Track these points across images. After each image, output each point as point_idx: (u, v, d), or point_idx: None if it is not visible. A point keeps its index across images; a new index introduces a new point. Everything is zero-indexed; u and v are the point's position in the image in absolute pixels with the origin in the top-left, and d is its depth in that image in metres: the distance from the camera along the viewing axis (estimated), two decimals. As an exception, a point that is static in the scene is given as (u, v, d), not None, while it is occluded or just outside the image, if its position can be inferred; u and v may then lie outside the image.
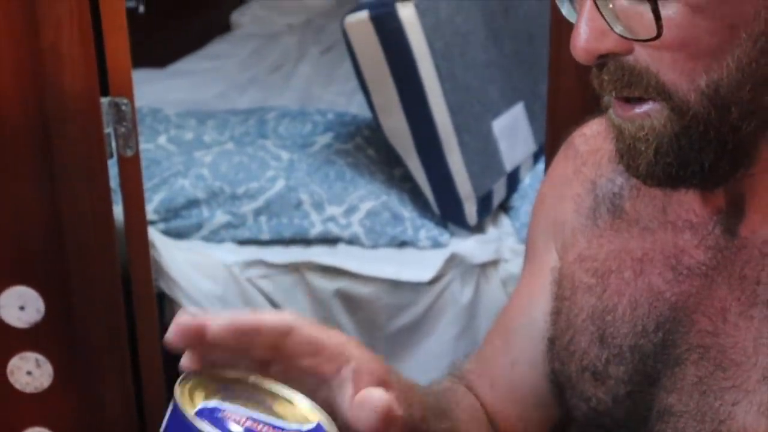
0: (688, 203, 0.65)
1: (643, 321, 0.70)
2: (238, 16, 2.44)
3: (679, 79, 0.54)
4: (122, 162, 1.07)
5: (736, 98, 0.55)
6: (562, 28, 0.97)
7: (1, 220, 1.10)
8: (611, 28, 0.52)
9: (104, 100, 1.03)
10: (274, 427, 0.49)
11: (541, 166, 1.59)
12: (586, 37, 0.53)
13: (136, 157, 1.08)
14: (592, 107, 0.71)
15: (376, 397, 0.52)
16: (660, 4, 0.50)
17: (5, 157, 1.08)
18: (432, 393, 0.72)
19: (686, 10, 0.51)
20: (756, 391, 0.61)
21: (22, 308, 1.13)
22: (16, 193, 1.10)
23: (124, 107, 1.04)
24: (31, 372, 1.19)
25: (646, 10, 0.50)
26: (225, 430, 0.47)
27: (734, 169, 0.58)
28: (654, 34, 0.51)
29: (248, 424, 0.47)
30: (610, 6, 0.52)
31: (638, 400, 0.71)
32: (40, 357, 1.17)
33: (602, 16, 0.52)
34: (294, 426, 0.50)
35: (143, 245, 1.19)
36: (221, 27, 2.37)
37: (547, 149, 1.15)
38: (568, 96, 1.08)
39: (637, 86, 0.54)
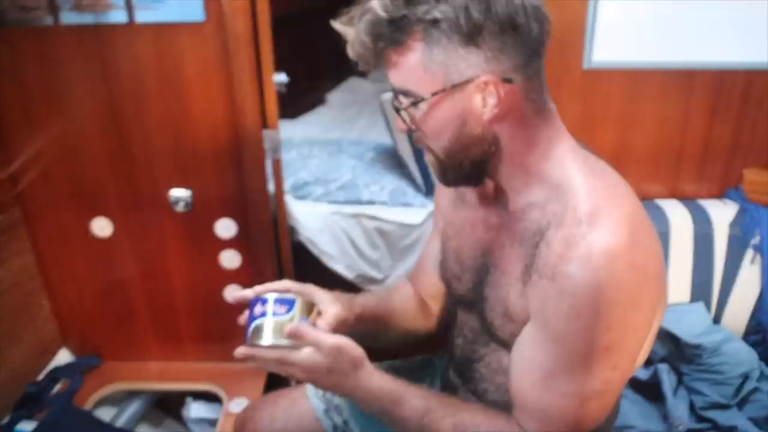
0: (486, 192, 0.95)
1: (474, 252, 0.99)
2: (329, 96, 3.32)
3: (433, 144, 0.86)
4: (274, 162, 1.44)
5: (464, 148, 0.86)
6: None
7: (220, 188, 1.46)
8: (404, 122, 0.85)
9: (264, 131, 1.37)
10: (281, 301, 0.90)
11: None
12: (401, 125, 0.87)
13: (280, 160, 1.43)
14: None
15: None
16: (416, 109, 0.82)
17: (220, 153, 1.41)
18: (375, 294, 1.13)
19: (442, 102, 0.81)
20: (515, 284, 0.88)
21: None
22: (226, 180, 1.45)
23: (273, 134, 1.36)
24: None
25: (413, 111, 0.83)
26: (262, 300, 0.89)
27: (481, 175, 0.89)
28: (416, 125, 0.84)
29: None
30: (402, 112, 0.84)
31: (475, 290, 0.98)
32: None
33: (401, 118, 0.86)
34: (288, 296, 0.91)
35: (282, 203, 1.57)
36: (321, 101, 3.28)
37: None
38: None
39: (423, 144, 0.88)
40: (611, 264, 0.78)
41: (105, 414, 1.63)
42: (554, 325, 0.82)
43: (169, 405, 1.83)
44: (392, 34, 0.80)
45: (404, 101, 0.84)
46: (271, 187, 1.58)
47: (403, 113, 0.85)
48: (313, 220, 2.22)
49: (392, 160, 2.41)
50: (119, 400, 1.66)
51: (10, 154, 1.46)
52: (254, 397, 1.49)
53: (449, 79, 0.81)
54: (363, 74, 3.57)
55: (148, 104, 1.37)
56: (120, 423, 1.61)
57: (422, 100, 0.82)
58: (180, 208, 1.43)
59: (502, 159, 0.87)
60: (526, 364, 0.87)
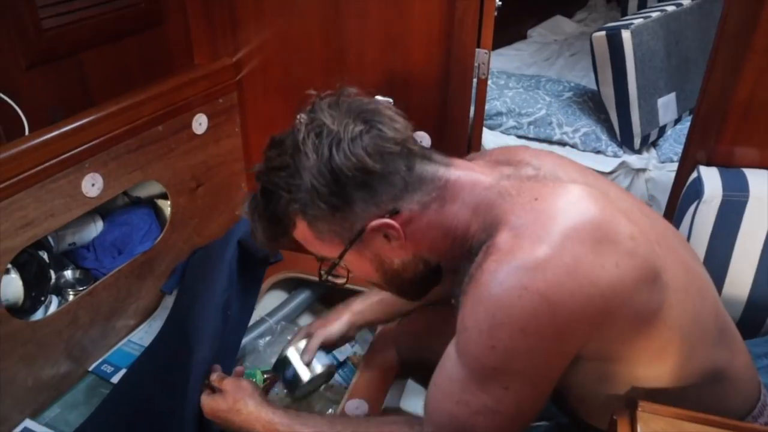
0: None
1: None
2: (531, 32, 3.32)
3: (372, 281, 0.95)
4: (479, 82, 1.37)
5: (397, 276, 0.91)
6: (718, 57, 1.28)
7: (422, 101, 1.43)
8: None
9: (477, 50, 1.31)
10: None
11: (678, 126, 2.24)
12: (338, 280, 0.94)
13: (486, 81, 1.37)
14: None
15: None
16: (345, 257, 0.87)
17: (428, 66, 1.38)
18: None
19: (351, 257, 0.87)
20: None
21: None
22: (429, 94, 1.42)
23: (484, 54, 1.32)
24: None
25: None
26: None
27: (435, 277, 0.95)
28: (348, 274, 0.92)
29: None
30: (329, 276, 0.92)
31: None
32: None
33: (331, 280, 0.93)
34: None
35: (480, 125, 1.45)
36: (521, 35, 3.30)
37: (695, 120, 1.39)
38: (711, 95, 1.34)
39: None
40: (500, 284, 0.75)
41: (275, 297, 1.75)
42: (456, 334, 0.82)
43: (333, 301, 1.92)
44: (278, 227, 0.87)
45: (323, 268, 0.92)
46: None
47: (331, 277, 0.92)
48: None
49: (590, 103, 2.36)
50: (290, 287, 1.77)
51: (238, 43, 1.57)
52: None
53: (345, 237, 0.85)
54: (568, 13, 3.55)
55: (368, 10, 1.40)
56: (286, 309, 1.73)
57: (335, 264, 0.89)
58: (381, 115, 1.47)
59: (439, 257, 0.90)
60: (438, 369, 0.86)
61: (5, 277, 1.20)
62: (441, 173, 0.86)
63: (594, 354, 0.82)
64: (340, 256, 0.87)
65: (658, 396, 0.84)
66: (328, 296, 1.75)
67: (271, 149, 0.86)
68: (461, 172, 0.87)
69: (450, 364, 0.83)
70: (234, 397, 1.03)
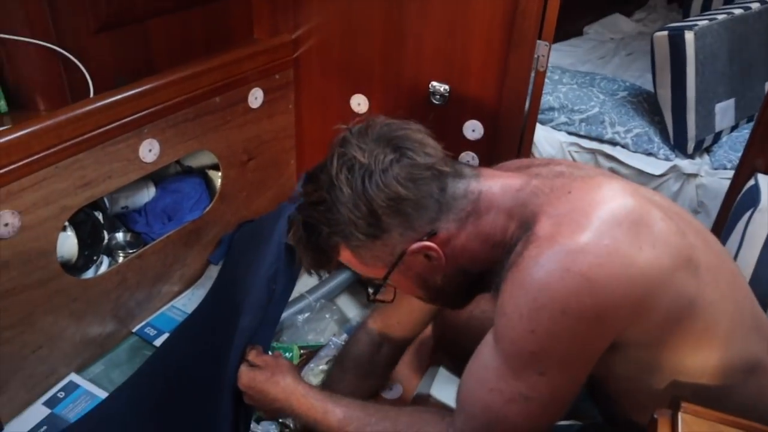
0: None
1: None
2: (587, 29, 3.27)
3: (417, 296, 0.98)
4: (537, 75, 1.35)
5: (440, 292, 0.93)
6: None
7: (479, 89, 1.39)
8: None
9: (538, 41, 1.30)
10: None
11: (735, 133, 2.19)
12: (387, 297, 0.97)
13: (544, 74, 1.35)
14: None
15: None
16: (390, 278, 0.89)
17: (488, 55, 1.36)
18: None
19: (396, 278, 0.91)
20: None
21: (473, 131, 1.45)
22: (487, 82, 1.38)
23: (545, 46, 1.31)
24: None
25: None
26: None
27: (480, 286, 0.94)
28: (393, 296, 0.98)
29: None
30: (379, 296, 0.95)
31: None
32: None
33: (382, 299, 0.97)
34: None
35: (534, 118, 1.42)
36: (578, 32, 3.25)
37: (756, 127, 1.38)
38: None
39: None
40: (541, 268, 0.76)
41: (315, 276, 1.76)
42: (495, 322, 0.83)
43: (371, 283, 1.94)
44: (323, 255, 0.90)
45: (370, 288, 0.96)
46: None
47: (379, 296, 0.96)
48: (549, 145, 2.26)
49: (645, 104, 2.32)
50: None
51: (298, 20, 1.58)
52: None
53: (387, 262, 0.88)
54: (627, 12, 3.48)
55: (432, -7, 1.40)
56: (326, 288, 1.74)
57: (380, 286, 0.92)
58: (435, 100, 1.47)
59: (481, 267, 0.90)
60: (473, 356, 0.87)
61: (62, 234, 1.24)
62: (473, 187, 0.88)
63: (634, 340, 0.82)
64: (384, 278, 0.90)
65: (701, 392, 0.84)
66: (366, 278, 1.76)
67: (307, 184, 0.89)
68: (491, 181, 0.89)
69: (487, 350, 0.84)
70: (273, 370, 1.05)
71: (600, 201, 0.79)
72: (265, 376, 1.04)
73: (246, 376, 1.05)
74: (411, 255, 0.87)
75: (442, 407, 1.22)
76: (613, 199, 0.80)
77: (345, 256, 0.90)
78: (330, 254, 0.90)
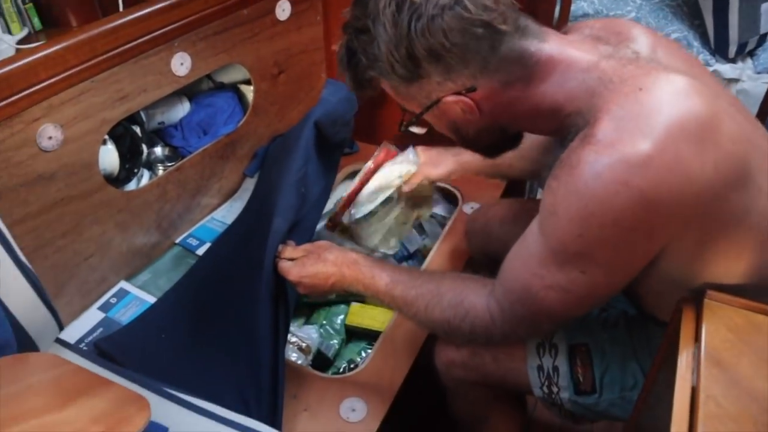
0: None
1: None
2: None
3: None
4: None
5: (473, 141, 0.94)
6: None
7: None
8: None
9: None
10: None
11: None
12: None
13: None
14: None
15: None
16: (427, 114, 0.89)
17: None
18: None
19: (429, 117, 0.91)
20: None
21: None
22: None
23: None
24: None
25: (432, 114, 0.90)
26: None
27: (512, 141, 0.96)
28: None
29: None
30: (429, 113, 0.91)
31: None
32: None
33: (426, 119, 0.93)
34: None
35: (565, 23, 1.54)
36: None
37: None
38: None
39: None
40: (598, 177, 0.74)
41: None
42: (541, 215, 0.82)
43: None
44: (361, 84, 0.89)
45: (404, 120, 0.93)
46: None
47: (410, 128, 0.95)
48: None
49: (684, 7, 2.23)
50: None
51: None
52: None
53: (422, 103, 0.87)
54: None
55: None
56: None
57: (411, 122, 0.91)
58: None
59: (519, 129, 0.91)
60: (519, 241, 0.88)
61: (103, 148, 1.28)
62: (533, 50, 0.83)
63: (677, 252, 0.82)
64: (417, 117, 0.90)
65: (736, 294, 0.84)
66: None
67: (355, 5, 0.86)
68: (556, 49, 0.84)
69: (532, 239, 0.85)
70: (317, 252, 1.07)
71: (671, 105, 0.75)
72: (312, 260, 1.05)
73: (294, 268, 1.06)
74: (446, 104, 0.86)
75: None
76: (685, 106, 0.75)
77: (384, 85, 0.90)
78: (367, 85, 0.89)
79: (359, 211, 1.31)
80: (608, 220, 0.75)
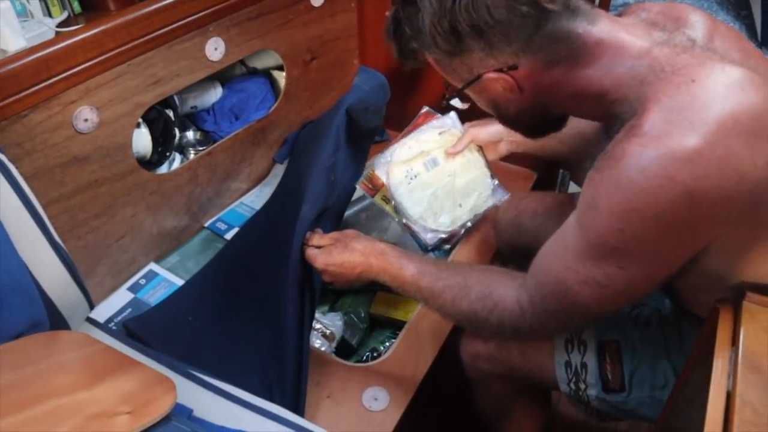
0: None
1: None
2: None
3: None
4: None
5: (514, 120, 0.93)
6: None
7: None
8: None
9: None
10: None
11: None
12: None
13: None
14: None
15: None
16: (468, 89, 0.89)
17: None
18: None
19: (471, 92, 0.90)
20: None
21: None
22: None
23: None
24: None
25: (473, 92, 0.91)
26: None
27: (555, 124, 0.94)
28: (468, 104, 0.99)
29: None
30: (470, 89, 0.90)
31: None
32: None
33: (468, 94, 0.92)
34: None
35: None
36: None
37: None
38: None
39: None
40: (642, 170, 0.71)
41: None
42: (580, 208, 0.80)
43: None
44: (405, 55, 0.89)
45: (447, 93, 0.94)
46: None
47: (452, 102, 0.96)
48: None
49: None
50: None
51: None
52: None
53: (464, 78, 0.86)
54: None
55: None
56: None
57: (452, 96, 0.92)
58: None
59: (562, 111, 0.89)
60: (555, 234, 0.86)
61: (136, 131, 1.29)
62: (580, 31, 0.80)
63: (722, 249, 0.80)
64: (458, 92, 0.90)
65: None
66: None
67: None
68: (606, 32, 0.80)
69: (569, 232, 0.83)
70: (344, 240, 1.06)
71: (724, 98, 0.72)
72: (339, 249, 1.05)
73: (321, 256, 1.05)
74: (487, 81, 0.85)
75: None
76: (738, 99, 0.72)
77: (428, 57, 0.89)
78: (410, 56, 0.89)
79: (396, 173, 1.28)
80: (650, 215, 0.73)
